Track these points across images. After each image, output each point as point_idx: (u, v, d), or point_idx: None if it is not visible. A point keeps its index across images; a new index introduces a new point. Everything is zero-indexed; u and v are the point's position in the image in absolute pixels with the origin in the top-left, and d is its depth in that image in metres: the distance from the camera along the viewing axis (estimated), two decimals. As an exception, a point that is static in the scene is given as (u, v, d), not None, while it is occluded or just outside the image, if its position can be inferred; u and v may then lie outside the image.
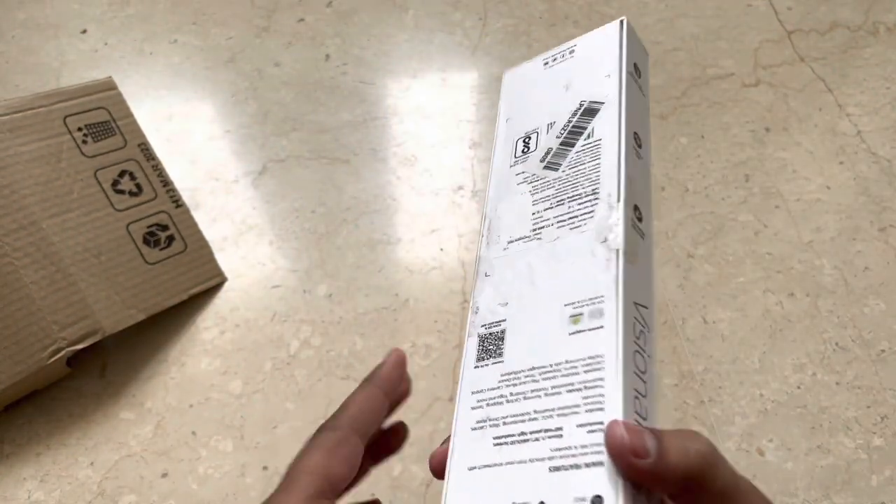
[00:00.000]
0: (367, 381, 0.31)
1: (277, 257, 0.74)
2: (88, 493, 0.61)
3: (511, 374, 0.28)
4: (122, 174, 0.68)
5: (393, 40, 0.93)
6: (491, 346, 0.30)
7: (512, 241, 0.32)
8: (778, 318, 0.69)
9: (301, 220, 0.77)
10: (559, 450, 0.26)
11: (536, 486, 0.25)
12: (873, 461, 0.61)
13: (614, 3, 0.97)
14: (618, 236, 0.29)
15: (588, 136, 0.33)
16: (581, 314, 0.28)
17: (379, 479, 0.61)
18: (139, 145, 0.70)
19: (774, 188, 0.79)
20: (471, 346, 0.31)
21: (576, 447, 0.25)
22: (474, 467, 0.27)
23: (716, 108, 0.86)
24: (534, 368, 0.28)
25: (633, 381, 0.26)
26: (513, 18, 0.95)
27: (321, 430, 0.28)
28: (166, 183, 0.71)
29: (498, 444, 0.27)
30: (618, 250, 0.29)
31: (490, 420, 0.28)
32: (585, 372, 0.26)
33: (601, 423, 0.25)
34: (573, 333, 0.28)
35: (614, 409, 0.25)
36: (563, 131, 0.34)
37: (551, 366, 0.27)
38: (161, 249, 0.69)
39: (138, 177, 0.69)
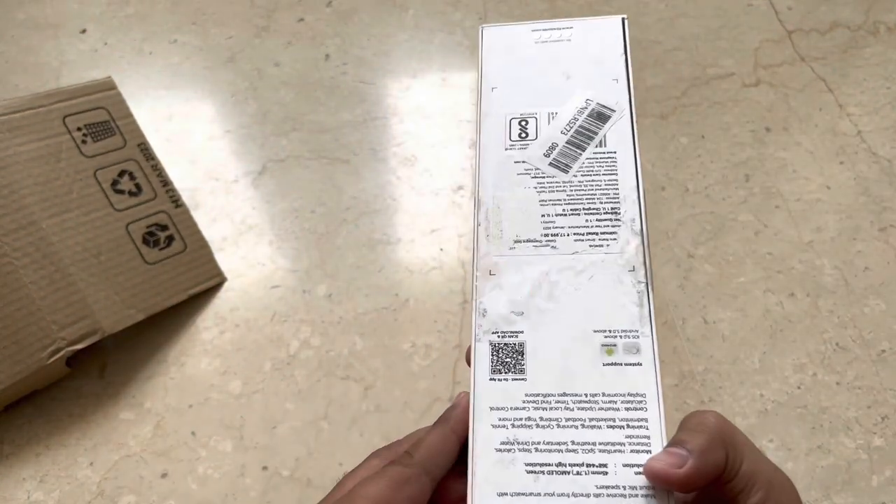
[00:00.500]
0: (443, 421, 0.29)
1: (277, 257, 0.74)
2: (88, 493, 0.61)
3: (538, 396, 0.27)
4: (121, 174, 0.68)
5: (393, 40, 0.93)
6: (508, 360, 0.28)
7: (519, 242, 0.30)
8: (778, 318, 0.69)
9: (301, 220, 0.77)
10: (606, 488, 0.26)
11: None
12: (874, 461, 0.61)
13: (614, 3, 0.97)
14: (647, 271, 0.30)
15: (600, 145, 0.32)
16: (615, 345, 0.28)
17: (379, 479, 0.60)
18: (139, 145, 0.70)
19: (775, 188, 0.78)
20: (482, 353, 0.29)
21: (624, 488, 0.26)
22: (505, 493, 0.26)
23: (716, 107, 0.86)
24: (565, 395, 0.27)
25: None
26: (513, 18, 0.95)
27: (392, 463, 0.27)
28: (166, 183, 0.71)
29: (532, 472, 0.26)
30: (646, 283, 0.29)
31: (519, 444, 0.27)
32: (626, 409, 0.27)
33: None
34: (608, 365, 0.28)
35: (659, 450, 0.26)
36: (568, 127, 0.32)
37: (586, 396, 0.27)
38: (161, 249, 0.69)
39: (138, 177, 0.69)
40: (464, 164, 0.81)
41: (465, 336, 0.68)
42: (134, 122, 0.70)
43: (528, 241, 0.30)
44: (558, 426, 0.27)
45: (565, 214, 0.31)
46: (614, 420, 0.26)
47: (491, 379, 0.28)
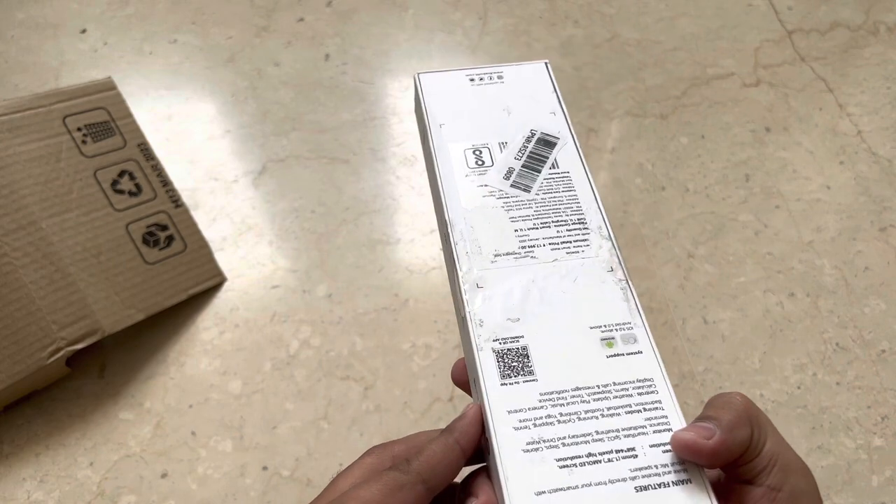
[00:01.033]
0: (448, 431, 0.28)
1: (277, 257, 0.74)
2: (88, 493, 0.61)
3: (553, 393, 0.28)
4: (121, 174, 0.68)
5: (393, 40, 0.93)
6: (515, 363, 0.29)
7: (499, 255, 0.32)
8: (778, 319, 0.69)
9: (301, 219, 0.77)
10: (640, 469, 0.27)
11: None
12: (874, 461, 0.61)
13: (614, 3, 0.97)
14: (623, 269, 0.32)
15: (553, 167, 0.36)
16: (613, 338, 0.30)
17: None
18: (139, 145, 0.70)
19: (775, 188, 0.78)
20: (487, 362, 0.29)
21: (657, 466, 0.27)
22: (542, 492, 0.26)
23: (716, 107, 0.86)
24: (579, 389, 0.28)
25: None
26: (513, 18, 0.95)
27: (389, 468, 0.27)
28: (166, 183, 0.71)
29: (565, 467, 0.27)
30: (626, 280, 0.32)
31: (545, 441, 0.27)
32: (639, 394, 0.28)
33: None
34: (611, 357, 0.29)
35: (679, 427, 0.27)
36: (521, 154, 0.36)
37: (599, 387, 0.28)
38: (160, 249, 0.69)
39: (138, 177, 0.69)
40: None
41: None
42: (134, 123, 0.70)
43: (508, 254, 0.32)
44: (579, 419, 0.28)
45: (536, 228, 0.33)
46: (630, 406, 0.28)
47: (502, 384, 0.28)
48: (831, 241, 0.74)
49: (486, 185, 0.35)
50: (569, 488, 0.26)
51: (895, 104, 0.86)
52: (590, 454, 0.27)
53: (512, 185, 0.35)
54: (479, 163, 0.35)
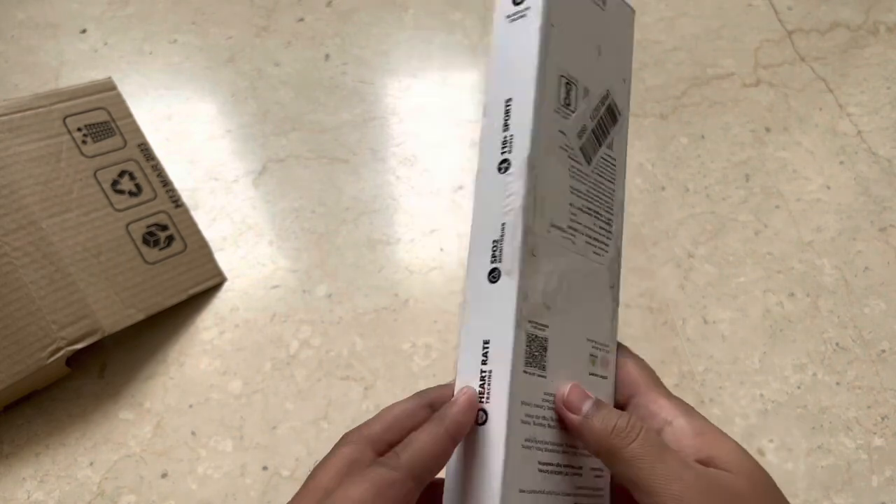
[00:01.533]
0: (437, 420, 0.26)
1: (277, 257, 0.74)
2: (88, 493, 0.61)
3: (551, 396, 0.27)
4: (121, 174, 0.68)
5: (393, 40, 0.93)
6: (537, 354, 0.27)
7: (554, 227, 0.28)
8: (778, 318, 0.69)
9: (301, 219, 0.77)
10: (581, 488, 0.28)
11: None
12: (874, 461, 0.61)
13: (614, 3, 0.97)
14: (619, 289, 0.31)
15: (610, 147, 0.30)
16: (597, 357, 0.29)
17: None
18: (139, 145, 0.70)
19: (775, 188, 0.78)
20: (521, 341, 0.26)
21: (592, 490, 0.28)
22: (524, 490, 0.26)
23: (716, 107, 0.86)
24: None
25: None
26: (513, 18, 0.95)
27: (377, 463, 0.25)
28: (166, 183, 0.71)
29: (542, 471, 0.27)
30: (617, 302, 0.31)
31: (536, 442, 0.27)
32: None
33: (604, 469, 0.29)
34: (591, 375, 0.29)
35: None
36: (594, 115, 0.30)
37: None
38: (160, 249, 0.69)
39: (138, 177, 0.69)
40: (464, 164, 0.81)
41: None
42: (134, 123, 0.70)
43: (559, 228, 0.28)
44: (559, 429, 0.28)
45: (584, 211, 0.29)
46: None
47: (524, 371, 0.26)
48: (831, 241, 0.74)
49: (563, 134, 0.28)
50: (539, 492, 0.26)
51: (895, 104, 0.86)
52: (558, 465, 0.27)
53: (580, 149, 0.29)
54: (567, 102, 0.28)
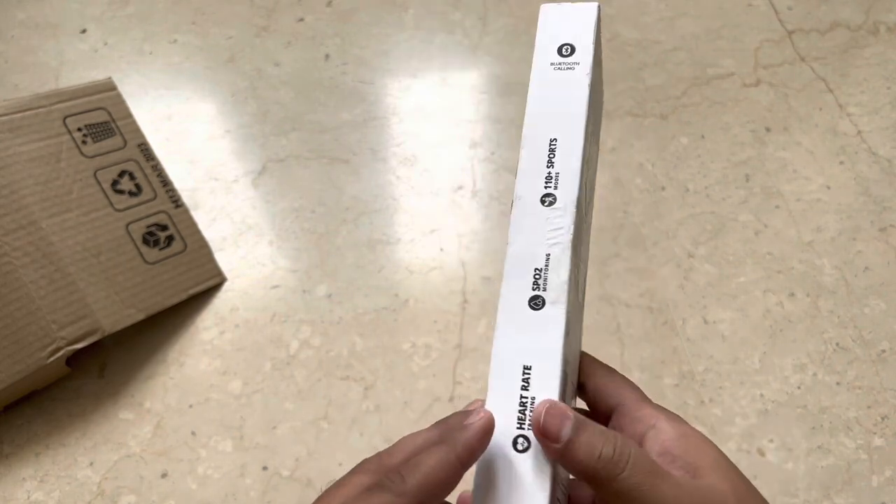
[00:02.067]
0: (449, 445, 0.25)
1: (277, 257, 0.74)
2: (88, 493, 0.61)
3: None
4: (121, 174, 0.68)
5: (393, 40, 0.93)
6: (564, 381, 0.28)
7: (581, 262, 0.30)
8: (778, 319, 0.69)
9: (301, 219, 0.77)
10: None
11: None
12: (874, 461, 0.61)
13: (614, 3, 0.97)
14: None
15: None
16: (568, 376, 0.30)
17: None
18: (139, 145, 0.70)
19: (775, 188, 0.78)
20: (560, 370, 0.27)
21: None
22: None
23: (716, 107, 0.86)
24: None
25: None
26: (513, 18, 0.95)
27: (382, 487, 0.24)
28: (166, 183, 0.71)
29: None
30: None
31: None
32: None
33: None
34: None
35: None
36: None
37: None
38: (160, 249, 0.69)
39: (138, 177, 0.69)
40: (464, 164, 0.81)
41: (466, 336, 0.68)
42: (134, 123, 0.70)
43: (584, 262, 0.30)
44: None
45: (584, 246, 0.31)
46: None
47: (561, 399, 0.26)
48: (831, 241, 0.74)
49: (592, 133, 0.30)
50: None
51: (895, 104, 0.86)
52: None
53: (587, 192, 0.30)
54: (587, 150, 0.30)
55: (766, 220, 0.76)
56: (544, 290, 0.27)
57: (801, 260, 0.73)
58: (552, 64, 0.30)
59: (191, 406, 0.65)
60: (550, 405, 0.25)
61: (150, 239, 0.68)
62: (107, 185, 0.67)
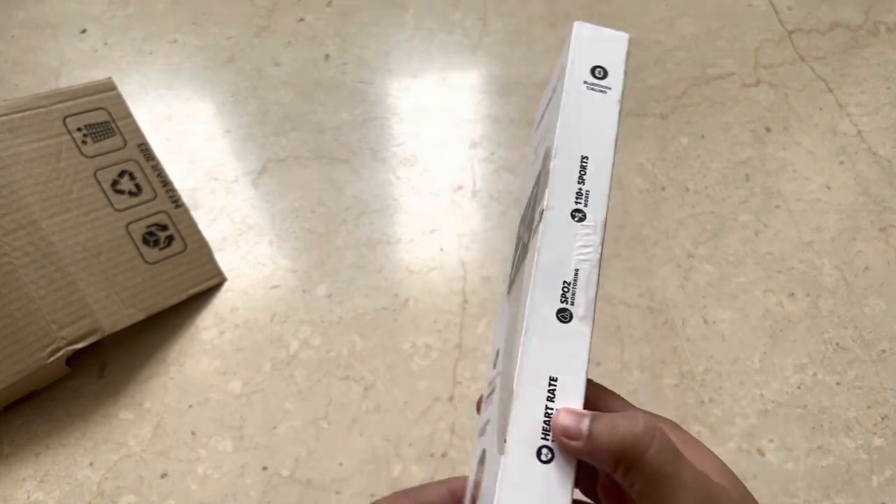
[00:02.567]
0: None
1: (277, 257, 0.74)
2: (88, 493, 0.61)
3: None
4: (121, 174, 0.68)
5: (393, 40, 0.93)
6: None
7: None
8: (778, 319, 0.69)
9: (301, 219, 0.77)
10: None
11: None
12: (874, 461, 0.61)
13: (614, 3, 0.97)
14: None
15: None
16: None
17: (379, 478, 0.61)
18: (139, 145, 0.70)
19: (775, 188, 0.78)
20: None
21: None
22: None
23: (716, 107, 0.86)
24: None
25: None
26: (513, 18, 0.95)
27: None
28: (166, 183, 0.71)
29: None
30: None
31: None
32: None
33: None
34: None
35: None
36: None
37: None
38: (160, 249, 0.69)
39: (138, 177, 0.69)
40: (464, 164, 0.81)
41: (466, 336, 0.68)
42: (134, 123, 0.70)
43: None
44: None
45: None
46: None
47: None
48: (831, 241, 0.74)
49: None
50: None
51: (895, 104, 0.86)
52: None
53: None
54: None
55: (766, 220, 0.76)
56: (572, 304, 0.27)
57: (801, 260, 0.73)
58: (585, 83, 0.31)
59: (191, 406, 0.65)
60: (565, 409, 0.26)
61: (150, 239, 0.68)
62: (107, 185, 0.67)
